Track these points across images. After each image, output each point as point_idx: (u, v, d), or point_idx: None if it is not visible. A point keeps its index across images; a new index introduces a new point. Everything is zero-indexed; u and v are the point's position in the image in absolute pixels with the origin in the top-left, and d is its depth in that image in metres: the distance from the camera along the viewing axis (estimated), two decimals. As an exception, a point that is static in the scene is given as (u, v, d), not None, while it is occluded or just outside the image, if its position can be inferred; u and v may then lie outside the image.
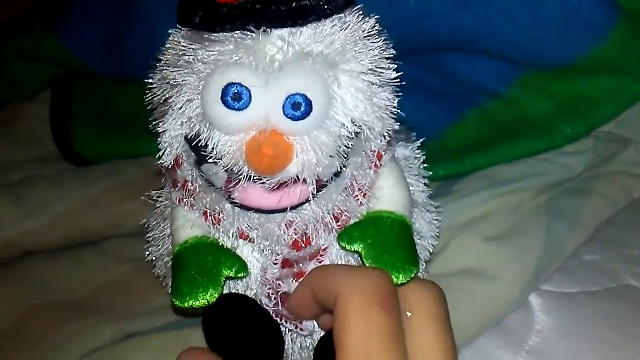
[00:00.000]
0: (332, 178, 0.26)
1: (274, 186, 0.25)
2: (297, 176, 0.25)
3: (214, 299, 0.27)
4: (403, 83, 0.27)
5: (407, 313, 0.23)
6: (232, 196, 0.26)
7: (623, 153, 0.41)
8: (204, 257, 0.28)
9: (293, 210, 0.27)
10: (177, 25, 0.27)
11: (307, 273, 0.28)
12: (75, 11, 0.50)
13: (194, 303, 0.27)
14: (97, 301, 0.38)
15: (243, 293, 0.29)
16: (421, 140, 0.33)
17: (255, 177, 0.25)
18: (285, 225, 0.27)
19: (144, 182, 0.45)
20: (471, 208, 0.38)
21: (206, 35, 0.25)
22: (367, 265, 0.27)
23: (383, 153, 0.29)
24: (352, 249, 0.28)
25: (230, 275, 0.28)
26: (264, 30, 0.24)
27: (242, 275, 0.28)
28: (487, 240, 0.36)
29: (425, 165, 0.34)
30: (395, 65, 0.27)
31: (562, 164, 0.40)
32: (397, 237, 0.28)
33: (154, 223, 0.33)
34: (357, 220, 0.29)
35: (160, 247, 0.33)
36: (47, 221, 0.42)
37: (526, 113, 0.42)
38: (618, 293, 0.35)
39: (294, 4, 0.24)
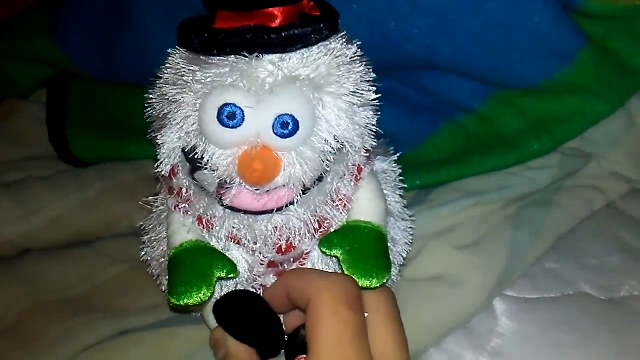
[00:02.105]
0: (315, 183, 0.29)
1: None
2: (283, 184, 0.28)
3: (207, 298, 0.29)
4: (381, 103, 0.30)
5: (365, 313, 0.27)
6: (222, 199, 0.29)
7: (586, 167, 0.44)
8: (197, 259, 0.31)
9: (279, 212, 0.30)
10: (176, 46, 0.30)
11: (284, 273, 0.31)
12: (71, 16, 0.51)
13: (188, 301, 0.29)
14: (93, 299, 0.41)
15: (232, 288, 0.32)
16: (398, 154, 0.36)
17: (245, 185, 0.28)
18: (272, 228, 0.30)
19: (137, 185, 0.47)
20: (443, 218, 0.41)
21: (203, 58, 0.28)
22: (344, 269, 0.30)
23: (363, 167, 0.32)
24: (332, 254, 0.31)
25: (222, 275, 0.30)
26: (256, 56, 0.27)
27: (232, 275, 0.31)
28: (456, 249, 0.39)
29: (402, 177, 0.36)
30: (375, 87, 0.30)
31: (529, 178, 0.43)
32: (373, 245, 0.31)
33: (150, 226, 0.36)
34: (337, 228, 0.32)
35: (155, 248, 0.36)
36: (45, 222, 0.44)
37: (498, 128, 0.45)
38: (574, 300, 0.38)
39: (283, 33, 0.27)
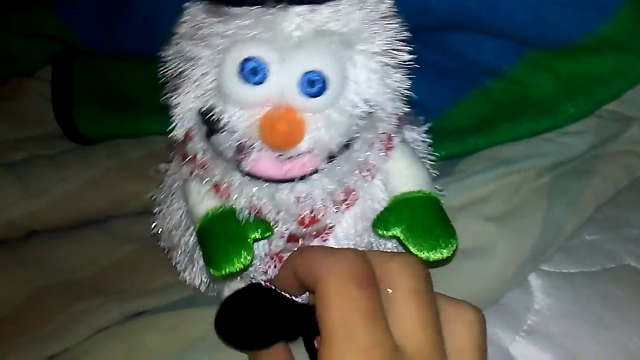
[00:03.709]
0: (342, 150, 0.27)
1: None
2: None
3: (248, 262, 0.27)
4: (412, 65, 0.27)
5: (389, 290, 0.25)
6: (241, 166, 0.27)
7: (626, 132, 0.41)
8: (228, 224, 0.28)
9: (302, 181, 0.27)
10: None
11: (288, 256, 0.29)
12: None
13: (231, 269, 0.27)
14: (103, 281, 0.39)
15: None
16: (428, 125, 0.34)
17: (265, 149, 0.26)
18: (295, 198, 0.28)
19: (145, 162, 0.45)
20: (472, 189, 0.38)
21: (224, 9, 0.25)
22: (409, 247, 0.28)
23: (393, 135, 0.30)
24: (390, 235, 0.29)
25: (257, 236, 0.28)
26: (283, 7, 0.25)
27: (268, 235, 0.28)
28: (487, 221, 0.36)
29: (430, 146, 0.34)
30: (409, 48, 0.27)
31: (564, 144, 0.40)
32: (432, 214, 0.29)
33: (162, 197, 0.34)
34: (369, 202, 0.29)
35: (167, 220, 0.33)
36: (51, 202, 0.42)
37: (529, 92, 0.41)
38: (616, 273, 0.35)
39: None
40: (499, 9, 0.37)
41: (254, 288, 0.30)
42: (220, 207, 0.29)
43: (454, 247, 0.28)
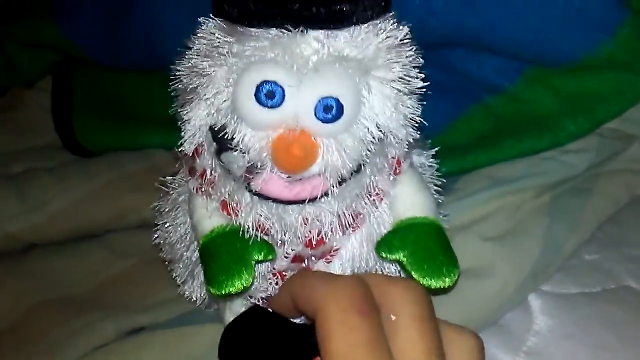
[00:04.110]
0: (352, 174, 0.27)
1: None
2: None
3: (249, 283, 0.27)
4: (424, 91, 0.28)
5: (392, 316, 0.24)
6: (251, 185, 0.27)
7: (627, 150, 0.41)
8: (232, 244, 0.28)
9: (311, 203, 0.27)
10: (210, 15, 0.27)
11: (286, 279, 0.29)
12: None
13: (231, 289, 0.27)
14: (101, 296, 0.39)
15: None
16: (435, 149, 0.34)
17: (277, 171, 0.26)
18: (303, 219, 0.28)
19: (145, 175, 0.45)
20: (472, 208, 0.38)
21: (241, 29, 0.25)
22: (411, 272, 0.27)
23: (402, 160, 0.30)
24: (393, 258, 0.28)
25: (260, 259, 0.28)
26: (301, 30, 0.25)
27: (270, 257, 0.28)
28: (486, 241, 0.36)
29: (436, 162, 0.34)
30: (423, 75, 0.27)
31: (565, 163, 0.40)
32: (436, 241, 0.29)
33: (166, 210, 0.34)
34: (375, 225, 0.29)
35: (170, 234, 0.33)
36: (50, 215, 0.42)
37: (530, 109, 0.41)
38: (616, 294, 0.35)
39: (332, 7, 0.24)
40: (500, 29, 0.37)
41: (255, 312, 0.30)
42: (226, 226, 0.29)
43: (456, 277, 0.27)
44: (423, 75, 0.27)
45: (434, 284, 0.27)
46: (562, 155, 0.40)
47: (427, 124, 0.28)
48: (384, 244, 0.29)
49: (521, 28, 0.37)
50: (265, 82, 0.24)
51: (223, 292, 0.27)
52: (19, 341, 0.36)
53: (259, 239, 0.28)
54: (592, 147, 0.41)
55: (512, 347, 0.34)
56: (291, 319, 0.29)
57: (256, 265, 0.28)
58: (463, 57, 0.41)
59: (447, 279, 0.27)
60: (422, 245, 0.28)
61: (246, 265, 0.27)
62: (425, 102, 0.28)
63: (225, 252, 0.28)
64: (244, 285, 0.27)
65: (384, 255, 0.28)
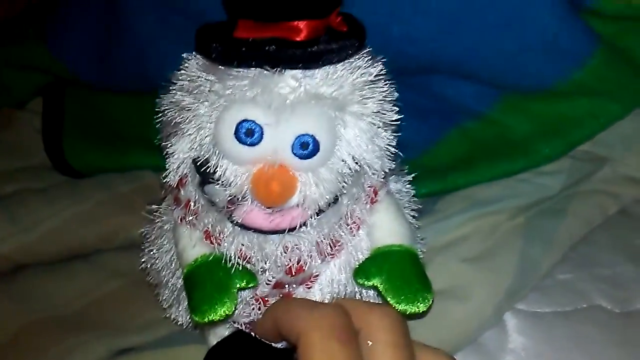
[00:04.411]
0: (329, 204, 0.28)
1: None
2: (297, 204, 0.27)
3: (232, 311, 0.28)
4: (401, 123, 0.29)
5: (368, 342, 0.26)
6: (233, 216, 0.28)
7: (599, 172, 0.43)
8: (215, 273, 0.29)
9: (290, 233, 0.28)
10: (193, 52, 0.28)
11: (269, 305, 0.30)
12: (64, 22, 0.50)
13: (213, 317, 0.28)
14: (90, 316, 0.40)
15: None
16: (412, 175, 0.35)
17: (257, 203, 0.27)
18: (283, 249, 0.29)
19: (134, 196, 0.46)
20: (451, 230, 0.39)
21: (222, 68, 0.27)
22: (387, 298, 0.29)
23: (379, 189, 0.31)
24: (370, 285, 0.30)
25: (242, 286, 0.29)
26: (279, 70, 0.26)
27: (253, 285, 0.29)
28: (463, 262, 0.38)
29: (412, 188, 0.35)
30: (397, 108, 0.29)
31: (539, 184, 0.42)
32: (411, 268, 0.30)
33: (152, 238, 0.35)
34: (353, 252, 0.31)
35: (156, 261, 0.34)
36: (41, 236, 0.43)
37: (506, 133, 0.43)
38: (588, 313, 0.37)
39: (309, 49, 0.26)
40: (477, 57, 0.39)
41: (238, 336, 0.31)
42: (209, 255, 0.30)
43: (430, 302, 0.29)
44: (397, 108, 0.29)
45: (409, 309, 0.28)
46: (536, 177, 0.42)
47: (402, 155, 0.30)
48: (362, 271, 0.30)
49: (497, 57, 0.39)
50: (245, 120, 0.26)
51: (206, 320, 0.28)
52: (10, 362, 0.37)
53: (241, 267, 0.29)
54: (565, 169, 0.42)
55: (487, 365, 0.35)
56: (273, 344, 0.30)
57: (239, 292, 0.29)
58: (442, 83, 0.43)
59: (421, 305, 0.28)
60: (397, 272, 0.29)
61: (228, 293, 0.28)
62: (400, 134, 0.29)
63: (209, 280, 0.29)
64: (227, 313, 0.28)
65: (361, 282, 0.30)
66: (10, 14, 0.57)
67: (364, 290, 0.32)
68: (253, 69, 0.26)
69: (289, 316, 0.27)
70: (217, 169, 0.27)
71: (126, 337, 0.38)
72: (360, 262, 0.31)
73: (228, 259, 0.29)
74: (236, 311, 0.31)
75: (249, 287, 0.29)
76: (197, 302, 0.28)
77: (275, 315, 0.28)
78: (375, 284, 0.29)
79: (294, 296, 0.31)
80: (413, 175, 0.35)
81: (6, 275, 0.43)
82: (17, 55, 0.53)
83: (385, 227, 0.31)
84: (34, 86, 0.54)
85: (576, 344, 0.35)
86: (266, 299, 0.31)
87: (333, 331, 0.25)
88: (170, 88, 0.29)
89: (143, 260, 0.35)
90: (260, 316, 0.30)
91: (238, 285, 0.29)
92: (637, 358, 0.34)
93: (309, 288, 0.31)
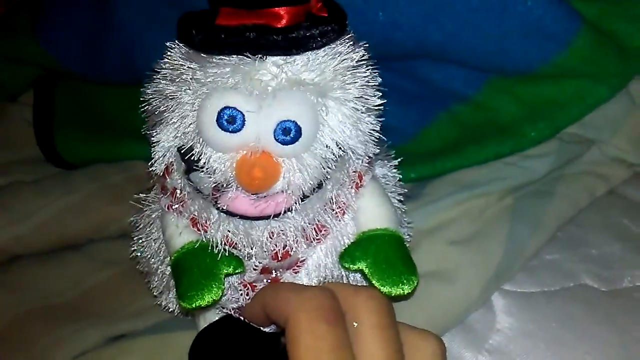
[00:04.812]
0: (314, 190, 0.28)
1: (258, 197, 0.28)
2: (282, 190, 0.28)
3: (219, 297, 0.28)
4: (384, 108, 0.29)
5: (354, 323, 0.26)
6: (218, 203, 0.28)
7: (587, 154, 0.43)
8: (202, 259, 0.29)
9: (276, 218, 0.28)
10: (175, 40, 0.28)
11: (258, 290, 0.30)
12: (53, 15, 0.50)
13: (201, 303, 0.28)
14: (84, 305, 0.40)
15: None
16: (398, 160, 0.35)
17: (242, 190, 0.27)
18: (269, 234, 0.29)
19: (126, 186, 0.46)
20: (438, 213, 0.40)
21: (204, 56, 0.27)
22: (373, 281, 0.29)
23: (364, 174, 0.31)
24: (356, 268, 0.30)
25: (229, 272, 0.29)
26: (260, 57, 0.26)
27: (240, 270, 0.30)
28: (451, 245, 0.38)
29: (398, 171, 0.35)
30: (380, 93, 0.29)
31: (526, 167, 0.42)
32: (396, 252, 0.30)
33: (141, 226, 0.35)
34: (339, 237, 0.31)
35: (145, 248, 0.35)
36: (34, 227, 0.43)
37: (493, 116, 0.43)
38: (574, 293, 0.37)
39: (289, 35, 0.26)
40: (462, 41, 0.39)
41: (226, 321, 0.31)
42: (196, 242, 0.30)
43: (415, 285, 0.29)
44: (380, 93, 0.29)
45: (394, 291, 0.29)
46: (523, 160, 0.42)
47: (386, 140, 0.30)
48: (347, 255, 0.30)
49: (482, 41, 0.39)
50: (226, 108, 0.26)
51: (194, 306, 0.28)
52: (4, 351, 0.38)
53: (227, 253, 0.29)
54: (553, 151, 0.43)
55: (475, 345, 0.35)
56: (261, 328, 0.31)
57: (226, 278, 0.29)
58: (429, 68, 0.43)
59: (406, 287, 0.29)
60: (382, 255, 0.29)
61: (215, 279, 0.28)
62: (384, 119, 0.29)
63: (195, 267, 0.29)
64: (214, 298, 0.28)
65: (346, 265, 0.30)
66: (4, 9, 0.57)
67: (350, 274, 0.32)
68: (234, 56, 0.26)
69: (277, 300, 0.27)
70: (201, 156, 0.27)
71: (119, 324, 0.38)
72: (346, 246, 0.31)
73: (214, 245, 0.29)
74: (224, 297, 0.31)
75: (237, 273, 0.30)
76: (184, 288, 0.29)
77: (263, 300, 0.29)
78: (361, 267, 0.30)
79: (281, 281, 0.31)
80: (400, 160, 0.35)
81: (0, 266, 0.43)
82: (7, 49, 0.53)
83: (370, 211, 0.31)
84: (26, 79, 0.55)
85: (563, 322, 0.36)
86: (254, 284, 0.31)
87: (321, 313, 0.25)
88: (154, 77, 0.29)
89: (133, 248, 0.35)
90: (249, 301, 0.31)
91: (225, 271, 0.29)
92: (622, 335, 0.35)
93: (296, 273, 0.31)
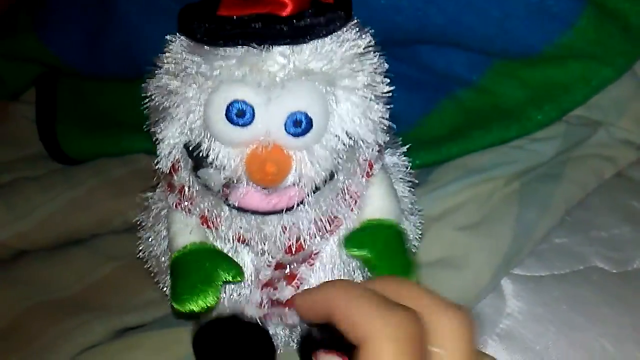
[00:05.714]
0: (325, 182, 0.28)
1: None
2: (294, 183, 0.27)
3: (213, 304, 0.28)
4: (392, 95, 0.28)
5: (436, 349, 0.23)
6: (229, 199, 0.27)
7: (594, 136, 0.42)
8: (202, 263, 0.29)
9: (288, 212, 0.28)
10: (177, 33, 0.28)
11: (326, 283, 0.28)
12: (54, 11, 0.50)
13: (194, 308, 0.28)
14: (89, 298, 0.40)
15: (237, 297, 0.31)
16: (406, 147, 0.34)
17: (253, 184, 0.27)
18: (282, 228, 0.28)
19: (129, 180, 0.46)
20: (445, 199, 0.39)
21: (208, 48, 0.26)
22: (371, 270, 0.29)
23: (374, 162, 0.31)
24: (361, 255, 0.29)
25: (228, 279, 0.28)
26: (266, 47, 0.25)
27: (238, 279, 0.29)
28: (459, 230, 0.38)
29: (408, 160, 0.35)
30: (388, 80, 0.28)
31: (533, 151, 0.41)
32: (397, 245, 0.30)
33: (148, 225, 0.34)
34: (349, 226, 0.30)
35: (154, 247, 0.34)
36: (38, 223, 0.43)
37: (498, 101, 0.43)
38: (584, 275, 0.37)
39: (295, 24, 0.25)
40: (464, 24, 0.39)
41: (227, 320, 0.31)
42: (199, 244, 0.29)
43: (414, 279, 0.29)
44: (388, 80, 0.28)
45: None
46: (530, 143, 0.42)
47: (395, 127, 0.29)
48: (355, 240, 0.29)
49: (484, 23, 0.39)
50: (235, 101, 0.25)
51: (186, 309, 0.28)
52: (11, 345, 0.37)
53: (229, 259, 0.29)
54: (560, 134, 0.42)
55: (485, 330, 0.35)
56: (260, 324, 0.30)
57: (223, 285, 0.29)
58: (432, 53, 0.42)
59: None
60: (390, 246, 0.29)
61: (212, 286, 0.28)
62: (392, 106, 0.29)
63: (194, 270, 0.28)
64: (207, 305, 0.28)
65: (353, 251, 0.29)
66: (5, 7, 0.57)
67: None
68: (240, 47, 0.25)
69: (355, 313, 0.23)
70: (210, 152, 0.26)
71: (124, 318, 0.38)
72: (350, 232, 0.30)
73: (225, 242, 0.29)
74: (247, 305, 0.31)
75: (236, 282, 0.29)
76: (179, 289, 0.28)
77: (333, 302, 0.24)
78: (366, 255, 0.29)
79: (297, 276, 0.30)
80: (407, 146, 0.34)
81: (6, 262, 0.43)
82: (9, 47, 0.53)
83: (377, 202, 0.30)
84: (28, 77, 0.54)
85: (573, 306, 0.35)
86: (275, 285, 0.31)
87: (409, 345, 0.22)
88: (156, 72, 0.28)
89: (141, 247, 0.35)
90: (307, 291, 0.27)
91: (224, 278, 0.28)
92: (633, 316, 0.34)
93: (311, 266, 0.30)
